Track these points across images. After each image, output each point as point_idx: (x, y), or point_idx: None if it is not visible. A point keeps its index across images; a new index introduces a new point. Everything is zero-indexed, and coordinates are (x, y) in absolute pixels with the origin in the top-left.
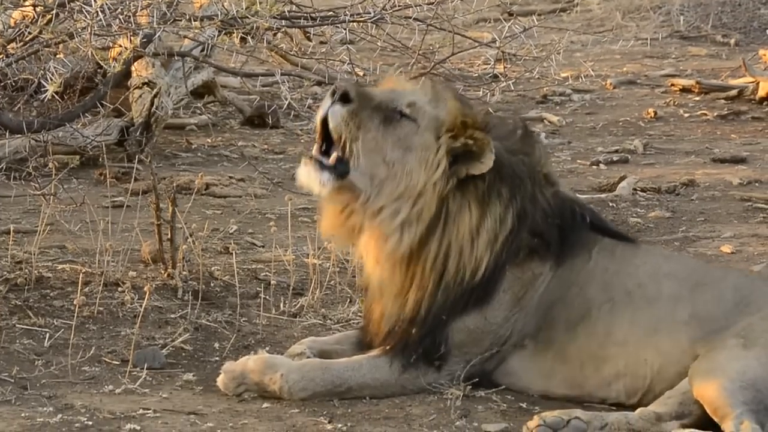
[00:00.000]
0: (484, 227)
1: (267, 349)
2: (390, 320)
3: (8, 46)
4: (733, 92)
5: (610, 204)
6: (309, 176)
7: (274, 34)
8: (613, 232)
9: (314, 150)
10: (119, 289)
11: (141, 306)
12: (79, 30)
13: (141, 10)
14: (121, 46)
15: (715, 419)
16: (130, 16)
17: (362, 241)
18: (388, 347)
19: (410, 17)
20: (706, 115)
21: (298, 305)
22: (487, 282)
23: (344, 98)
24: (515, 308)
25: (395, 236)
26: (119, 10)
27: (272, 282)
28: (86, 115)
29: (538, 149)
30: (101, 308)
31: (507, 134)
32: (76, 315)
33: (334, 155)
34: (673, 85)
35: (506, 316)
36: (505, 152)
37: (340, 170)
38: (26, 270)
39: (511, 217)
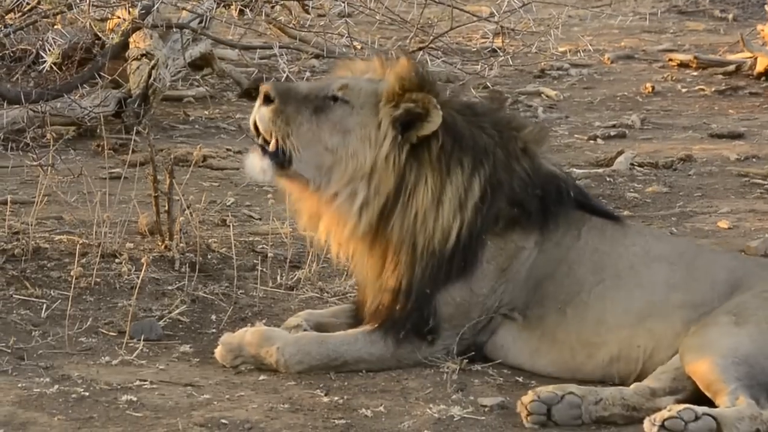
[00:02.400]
0: (446, 195)
1: (264, 321)
2: (375, 298)
3: (6, 17)
4: (731, 67)
5: (608, 179)
6: (252, 164)
7: (272, 7)
8: (599, 209)
9: (259, 140)
10: (116, 260)
11: (138, 277)
12: (78, 1)
13: None
14: (119, 17)
15: (708, 395)
16: None
17: (322, 226)
18: (377, 324)
19: None
20: (703, 90)
21: (295, 278)
22: (464, 252)
23: (267, 99)
24: (501, 279)
25: (354, 218)
26: None
27: (269, 255)
28: (84, 86)
29: (520, 125)
30: (98, 279)
31: (484, 112)
32: (73, 286)
33: (273, 142)
34: (670, 60)
35: (492, 287)
36: (470, 125)
37: (281, 158)
38: (23, 241)
39: (479, 185)
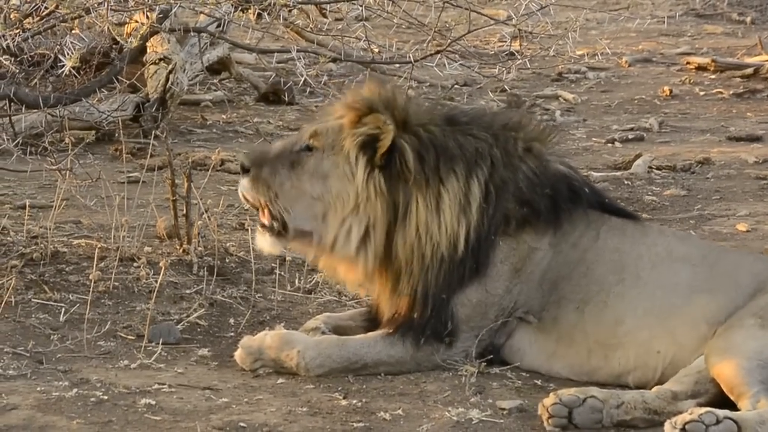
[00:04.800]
0: (445, 203)
1: (282, 325)
2: (392, 307)
3: (24, 21)
4: (749, 70)
5: (626, 182)
6: (260, 243)
7: (290, 11)
8: (616, 209)
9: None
10: (135, 264)
11: (156, 281)
12: (95, 5)
13: None
14: (137, 21)
15: (732, 398)
16: None
17: (340, 275)
18: (394, 328)
19: None
20: (721, 93)
21: (314, 281)
22: (475, 253)
23: (243, 170)
24: (515, 280)
25: (360, 257)
26: None
27: (287, 258)
28: (102, 90)
29: (518, 125)
30: (117, 283)
31: (468, 120)
32: (91, 290)
33: (267, 213)
34: (688, 63)
35: (507, 287)
36: (454, 135)
37: (277, 228)
38: (42, 245)
39: (478, 186)
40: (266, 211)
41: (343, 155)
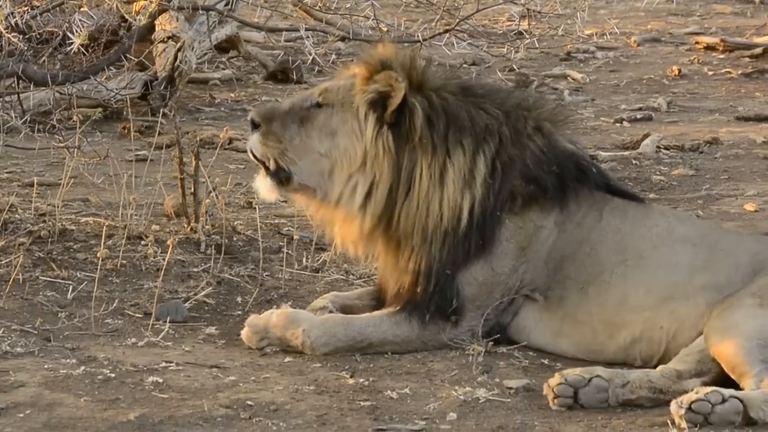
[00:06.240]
0: (449, 176)
1: (289, 303)
2: (397, 283)
3: None
4: (758, 50)
5: (634, 161)
6: (259, 186)
7: None
8: (620, 190)
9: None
10: (142, 242)
11: (164, 259)
12: None
13: None
14: None
15: (733, 377)
16: None
17: (336, 231)
18: (400, 306)
19: None
20: (730, 73)
21: (321, 260)
22: (481, 230)
23: (253, 125)
24: (521, 258)
25: (360, 213)
26: None
27: (295, 237)
28: (110, 68)
29: (531, 105)
30: (124, 261)
31: (484, 93)
32: (99, 268)
33: (272, 161)
34: (697, 42)
35: (513, 266)
36: (467, 106)
37: (281, 176)
38: (50, 222)
39: (484, 162)
40: (272, 162)
41: (352, 111)
